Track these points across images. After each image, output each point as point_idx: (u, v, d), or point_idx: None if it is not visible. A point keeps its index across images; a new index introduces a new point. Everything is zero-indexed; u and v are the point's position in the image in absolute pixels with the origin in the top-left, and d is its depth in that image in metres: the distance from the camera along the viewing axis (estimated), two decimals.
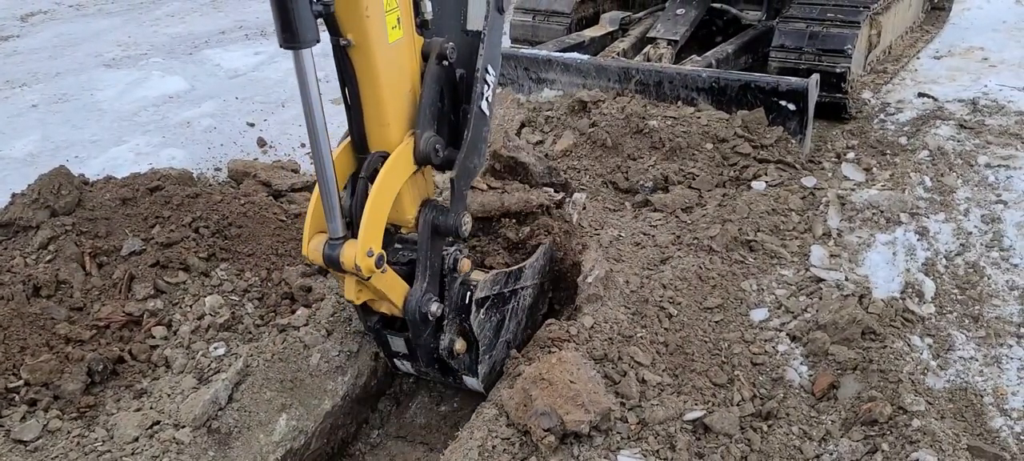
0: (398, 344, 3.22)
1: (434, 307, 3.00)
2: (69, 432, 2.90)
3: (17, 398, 2.99)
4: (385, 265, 2.80)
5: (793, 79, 4.97)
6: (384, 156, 2.81)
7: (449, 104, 3.02)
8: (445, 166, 3.00)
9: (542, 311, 3.72)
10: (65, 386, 3.03)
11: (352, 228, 2.78)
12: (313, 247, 2.80)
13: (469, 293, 3.10)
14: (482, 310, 3.17)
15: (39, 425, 2.89)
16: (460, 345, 3.17)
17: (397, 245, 3.08)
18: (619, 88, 5.44)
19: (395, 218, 2.96)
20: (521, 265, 3.43)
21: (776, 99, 4.95)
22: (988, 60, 6.82)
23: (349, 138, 2.91)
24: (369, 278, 2.75)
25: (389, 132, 2.83)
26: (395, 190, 2.83)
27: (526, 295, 3.49)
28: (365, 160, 2.85)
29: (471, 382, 3.31)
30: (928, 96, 6.01)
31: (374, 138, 2.86)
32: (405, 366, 3.36)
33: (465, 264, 3.14)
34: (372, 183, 2.76)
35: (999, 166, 4.68)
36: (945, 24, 7.85)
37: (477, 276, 3.19)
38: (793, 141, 4.93)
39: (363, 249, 2.68)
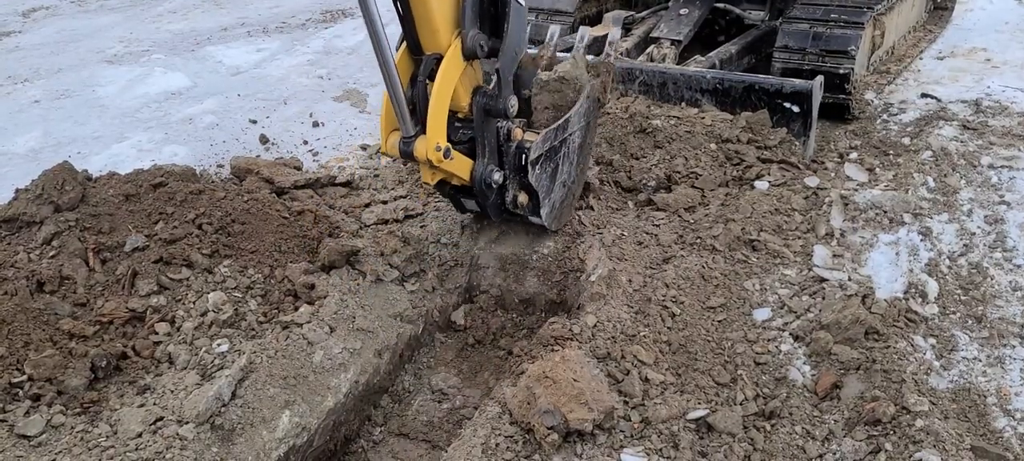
0: (471, 204, 3.90)
1: (496, 176, 3.63)
2: (73, 427, 2.90)
3: (21, 393, 2.99)
4: (452, 153, 3.37)
5: (797, 81, 4.97)
6: (438, 58, 3.30)
7: (488, 1, 3.47)
8: (490, 56, 3.51)
9: (592, 145, 4.32)
10: (69, 382, 3.03)
11: (419, 121, 3.31)
12: (391, 144, 3.41)
13: (524, 155, 3.63)
14: (537, 167, 3.70)
15: (43, 420, 2.89)
16: (523, 198, 3.80)
17: (457, 124, 3.57)
18: (623, 89, 5.44)
19: (453, 106, 3.46)
20: (566, 116, 3.87)
21: (780, 101, 4.95)
22: (991, 61, 6.82)
23: (404, 44, 3.38)
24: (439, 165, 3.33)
25: (439, 36, 3.30)
26: (451, 87, 3.35)
27: (574, 139, 3.98)
28: (421, 61, 3.34)
29: (536, 220, 3.93)
30: (931, 97, 6.01)
31: (427, 42, 3.34)
32: (471, 204, 3.94)
33: (517, 133, 3.66)
34: (431, 82, 3.29)
35: (1002, 167, 4.68)
36: (948, 24, 7.85)
37: (530, 138, 3.69)
38: (797, 142, 4.93)
39: (432, 144, 3.27)
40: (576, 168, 4.11)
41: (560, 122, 3.82)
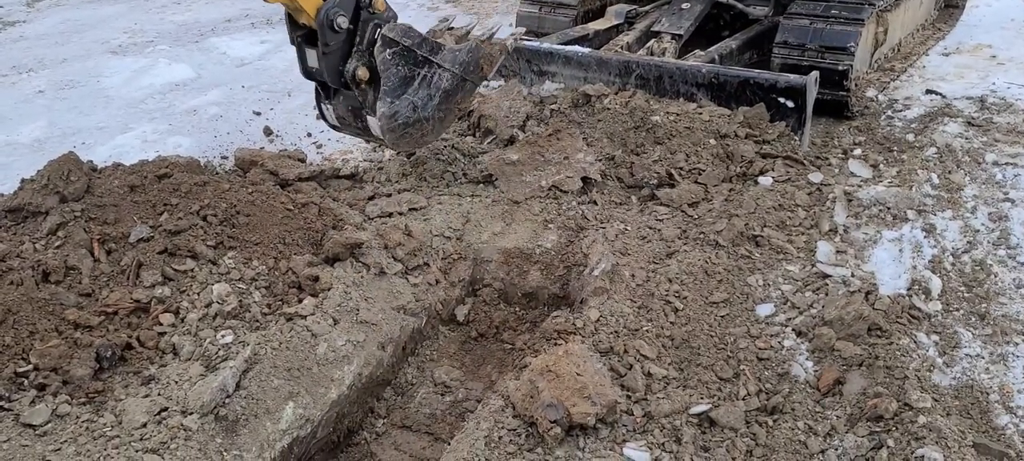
0: (312, 57, 3.75)
1: (342, 20, 3.55)
2: (78, 417, 2.91)
3: (27, 383, 3.00)
4: None
5: (792, 76, 4.96)
6: None
7: None
8: None
9: (461, 108, 4.49)
10: (74, 371, 3.04)
11: None
12: None
13: (378, 29, 3.64)
14: (388, 51, 3.69)
15: (48, 410, 2.90)
16: (363, 73, 3.75)
17: None
18: (620, 83, 5.44)
19: None
20: (443, 44, 4.08)
21: (775, 96, 4.94)
22: (996, 58, 6.81)
23: None
24: None
25: None
26: None
27: (442, 75, 4.09)
28: None
29: (371, 118, 3.83)
30: (936, 93, 6.00)
31: None
32: (329, 113, 3.97)
33: (379, 3, 3.66)
34: None
35: (1007, 164, 4.68)
36: (958, 22, 7.82)
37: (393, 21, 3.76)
38: (795, 137, 4.93)
39: None
40: (434, 107, 4.16)
41: (432, 39, 3.94)
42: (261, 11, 9.67)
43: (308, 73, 3.93)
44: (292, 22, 3.71)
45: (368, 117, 3.90)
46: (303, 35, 3.73)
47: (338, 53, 3.69)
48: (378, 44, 3.66)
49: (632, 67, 5.38)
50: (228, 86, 7.09)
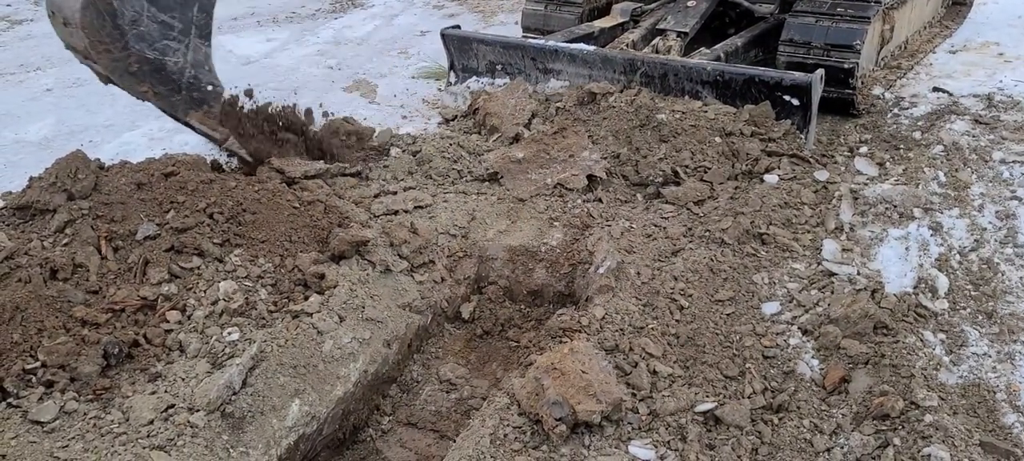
0: None
1: None
2: (85, 414, 2.92)
3: (34, 379, 3.01)
4: None
5: (797, 74, 4.95)
6: None
7: None
8: None
9: (141, 91, 3.89)
10: (81, 368, 3.05)
11: None
12: None
13: None
14: None
15: (56, 407, 2.91)
16: None
17: None
18: (625, 80, 5.44)
19: None
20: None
21: (780, 93, 4.94)
22: (1004, 55, 6.78)
23: None
24: None
25: None
26: None
27: (179, 51, 3.70)
28: None
29: None
30: (943, 91, 5.99)
31: None
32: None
33: None
34: None
35: (1014, 162, 4.66)
36: (966, 20, 7.80)
37: None
38: (800, 135, 4.92)
39: None
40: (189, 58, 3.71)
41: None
42: (266, 9, 9.69)
43: None
44: None
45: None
46: None
47: None
48: None
49: (637, 65, 5.38)
50: (234, 84, 7.07)
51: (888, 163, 4.82)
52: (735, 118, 4.94)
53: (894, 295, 3.50)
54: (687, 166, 4.71)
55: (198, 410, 2.95)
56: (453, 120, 5.70)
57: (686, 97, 5.23)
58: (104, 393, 3.05)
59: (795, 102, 4.90)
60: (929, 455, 2.71)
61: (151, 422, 2.91)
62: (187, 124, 4.07)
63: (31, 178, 3.90)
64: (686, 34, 6.18)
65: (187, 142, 5.73)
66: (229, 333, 3.31)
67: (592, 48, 5.74)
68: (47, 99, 6.78)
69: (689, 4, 6.52)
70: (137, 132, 6.03)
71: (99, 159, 4.16)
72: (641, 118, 5.03)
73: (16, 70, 7.59)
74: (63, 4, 3.41)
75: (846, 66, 5.49)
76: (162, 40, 3.60)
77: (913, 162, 4.73)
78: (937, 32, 7.43)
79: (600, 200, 4.54)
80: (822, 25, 5.63)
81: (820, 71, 4.94)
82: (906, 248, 3.89)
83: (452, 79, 6.54)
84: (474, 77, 6.30)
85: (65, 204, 3.70)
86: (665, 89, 5.30)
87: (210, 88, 3.83)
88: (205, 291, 3.49)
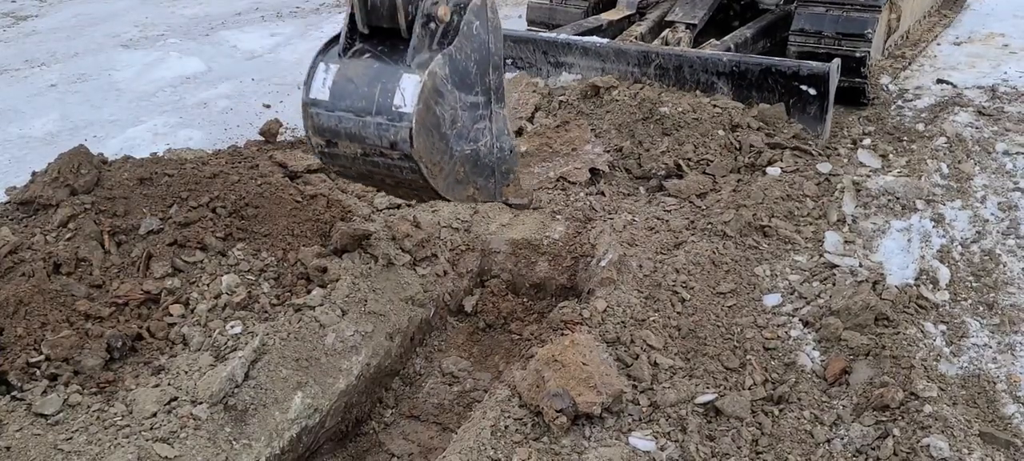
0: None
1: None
2: (89, 407, 2.94)
3: (38, 373, 3.04)
4: None
5: (814, 63, 4.94)
6: None
7: None
8: None
9: (469, 195, 3.17)
10: (85, 362, 3.07)
11: None
12: None
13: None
14: (477, 21, 2.81)
15: (60, 400, 2.94)
16: (443, 11, 2.74)
17: None
18: (638, 72, 5.42)
19: None
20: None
21: (796, 83, 4.93)
22: (1008, 47, 6.75)
23: None
24: None
25: None
26: None
27: (486, 130, 3.06)
28: None
29: (406, 83, 2.71)
30: (947, 82, 5.97)
31: None
32: (324, 77, 2.87)
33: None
34: None
35: (1017, 153, 4.65)
36: (963, 9, 7.78)
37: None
38: (814, 126, 4.91)
39: None
40: (462, 153, 2.99)
41: (503, 80, 3.04)
42: (271, 4, 9.70)
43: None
44: None
45: (401, 76, 2.72)
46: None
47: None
48: (476, 5, 2.77)
49: (651, 57, 5.36)
50: (238, 79, 7.12)
51: (891, 155, 4.81)
52: (743, 113, 4.94)
53: (895, 286, 3.49)
54: (690, 159, 4.71)
55: (201, 403, 2.97)
56: None
57: (700, 89, 5.21)
58: (108, 386, 3.07)
59: (812, 92, 4.89)
60: (928, 446, 2.72)
61: (154, 415, 2.93)
62: (505, 203, 3.53)
63: (34, 173, 3.92)
64: (695, 26, 6.16)
65: (191, 138, 5.76)
66: (232, 326, 3.33)
67: (605, 41, 5.72)
68: (51, 95, 6.80)
69: None
70: (141, 127, 6.06)
71: (102, 154, 4.18)
72: (644, 111, 5.03)
73: (21, 66, 7.62)
74: (372, 132, 2.77)
75: (858, 55, 5.47)
76: (474, 126, 2.97)
77: (916, 154, 4.72)
78: (936, 21, 7.43)
79: (602, 193, 4.54)
80: (833, 14, 5.61)
81: (837, 60, 4.93)
82: (908, 240, 3.89)
83: None
84: None
85: (68, 199, 3.72)
86: (680, 81, 5.28)
87: (511, 152, 3.20)
88: (208, 285, 3.51)
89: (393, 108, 2.70)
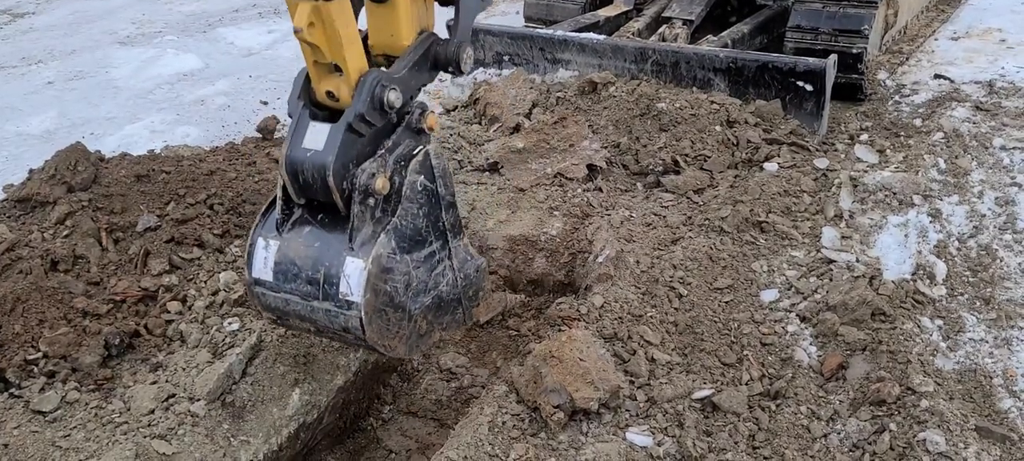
0: (314, 136, 2.60)
1: (394, 96, 2.54)
2: (87, 404, 2.95)
3: (36, 370, 3.04)
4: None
5: (811, 60, 4.94)
6: None
7: None
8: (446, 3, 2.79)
9: (435, 339, 3.04)
10: (83, 359, 3.08)
11: None
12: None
13: (425, 146, 2.70)
14: (422, 179, 2.67)
15: (57, 397, 2.94)
16: (382, 184, 2.54)
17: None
18: (635, 69, 5.42)
19: (389, 46, 2.67)
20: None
21: (793, 79, 4.93)
22: (1006, 42, 6.74)
23: None
24: None
25: None
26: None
27: (447, 272, 2.93)
28: None
29: (350, 267, 2.54)
30: (944, 77, 5.96)
31: None
32: (266, 252, 2.68)
33: (433, 119, 2.72)
34: None
35: (1015, 148, 4.65)
36: (961, 4, 7.78)
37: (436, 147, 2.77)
38: (810, 121, 4.91)
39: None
40: (423, 306, 2.82)
41: (458, 216, 2.90)
42: (268, 1, 9.68)
43: (293, 164, 2.61)
44: (306, 86, 2.77)
45: (345, 261, 2.55)
46: (315, 108, 2.72)
47: (353, 148, 2.56)
48: (417, 161, 2.65)
49: (648, 53, 5.36)
50: (236, 76, 7.11)
51: (888, 150, 4.81)
52: (740, 109, 4.94)
53: (892, 282, 3.50)
54: (687, 155, 4.71)
55: (199, 399, 2.98)
56: (454, 110, 5.70)
57: (697, 85, 5.21)
58: (105, 383, 3.07)
59: (809, 88, 4.89)
60: (925, 440, 2.73)
61: (152, 412, 2.94)
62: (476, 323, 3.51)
63: (31, 171, 3.92)
64: (692, 21, 6.15)
65: (188, 135, 5.76)
66: (229, 323, 3.33)
67: (602, 37, 5.72)
68: (49, 92, 6.80)
69: None
70: (138, 124, 6.06)
71: (100, 151, 4.19)
72: (641, 107, 5.02)
73: (18, 63, 7.61)
74: (321, 317, 2.64)
75: (855, 51, 5.47)
76: (433, 274, 2.82)
77: (913, 149, 4.72)
78: (934, 17, 7.42)
79: (600, 189, 4.54)
80: (830, 10, 5.60)
81: (833, 56, 4.93)
82: (905, 235, 3.89)
83: None
84: (481, 68, 6.29)
85: (65, 196, 3.73)
86: (677, 77, 5.28)
87: (477, 271, 3.04)
88: (205, 282, 3.51)
89: (340, 296, 2.57)
